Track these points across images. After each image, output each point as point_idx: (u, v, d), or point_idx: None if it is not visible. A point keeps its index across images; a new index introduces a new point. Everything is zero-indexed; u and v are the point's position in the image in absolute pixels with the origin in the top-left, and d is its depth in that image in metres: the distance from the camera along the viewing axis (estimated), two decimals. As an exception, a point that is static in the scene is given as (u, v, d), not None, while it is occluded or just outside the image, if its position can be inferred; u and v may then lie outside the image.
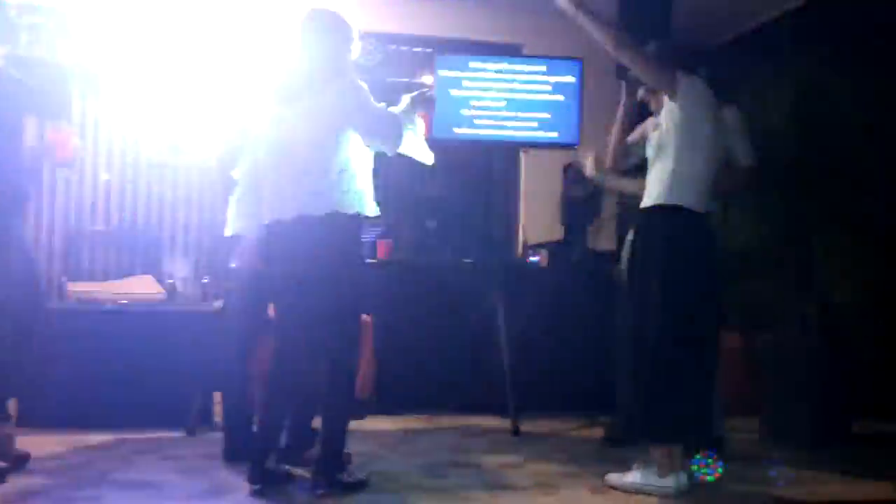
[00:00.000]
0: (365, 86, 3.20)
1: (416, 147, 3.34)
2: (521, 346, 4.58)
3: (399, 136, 3.21)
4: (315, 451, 3.28)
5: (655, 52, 3.32)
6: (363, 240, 3.61)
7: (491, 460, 3.72)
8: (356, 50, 3.29)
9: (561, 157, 5.15)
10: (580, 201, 4.97)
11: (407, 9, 5.86)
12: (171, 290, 5.24)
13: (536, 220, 5.70)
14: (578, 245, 4.92)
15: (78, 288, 5.10)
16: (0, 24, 3.23)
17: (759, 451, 4.02)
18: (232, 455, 3.51)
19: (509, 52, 5.99)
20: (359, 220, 3.19)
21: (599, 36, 3.16)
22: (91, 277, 5.76)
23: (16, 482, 3.09)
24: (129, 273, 5.72)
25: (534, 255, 5.14)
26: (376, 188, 3.26)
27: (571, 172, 4.94)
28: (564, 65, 4.60)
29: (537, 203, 5.83)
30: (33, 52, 3.36)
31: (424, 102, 3.37)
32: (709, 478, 3.38)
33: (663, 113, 3.31)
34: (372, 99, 3.16)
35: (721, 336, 3.42)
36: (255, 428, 3.40)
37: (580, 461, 3.73)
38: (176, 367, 4.25)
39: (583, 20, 3.17)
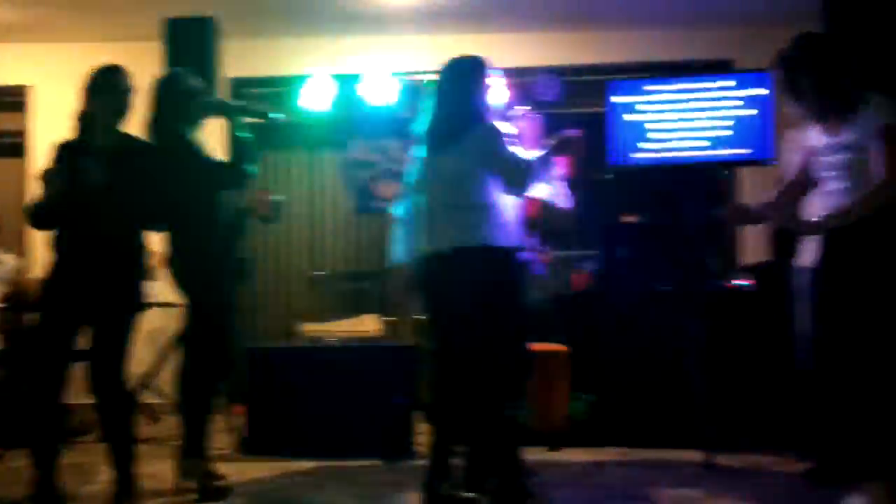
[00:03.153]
0: (504, 126, 3.30)
1: (553, 192, 3.39)
2: (723, 375, 4.37)
3: (524, 183, 3.28)
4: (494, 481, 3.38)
5: None
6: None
7: (669, 494, 3.61)
8: (494, 86, 3.41)
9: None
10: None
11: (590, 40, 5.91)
12: (390, 328, 5.63)
13: (760, 240, 5.42)
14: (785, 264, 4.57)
15: (308, 328, 5.64)
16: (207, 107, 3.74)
17: None
18: None
19: (719, 68, 5.80)
20: (511, 253, 3.29)
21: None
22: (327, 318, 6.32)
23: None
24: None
25: (743, 278, 4.88)
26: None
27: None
28: (755, 78, 4.35)
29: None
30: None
31: (567, 146, 3.38)
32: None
33: None
34: (504, 143, 3.26)
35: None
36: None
37: (768, 499, 3.49)
38: (383, 398, 4.55)
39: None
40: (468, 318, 3.27)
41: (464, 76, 3.36)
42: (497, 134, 3.27)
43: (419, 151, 3.47)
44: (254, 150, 3.67)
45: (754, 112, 4.37)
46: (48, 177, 3.35)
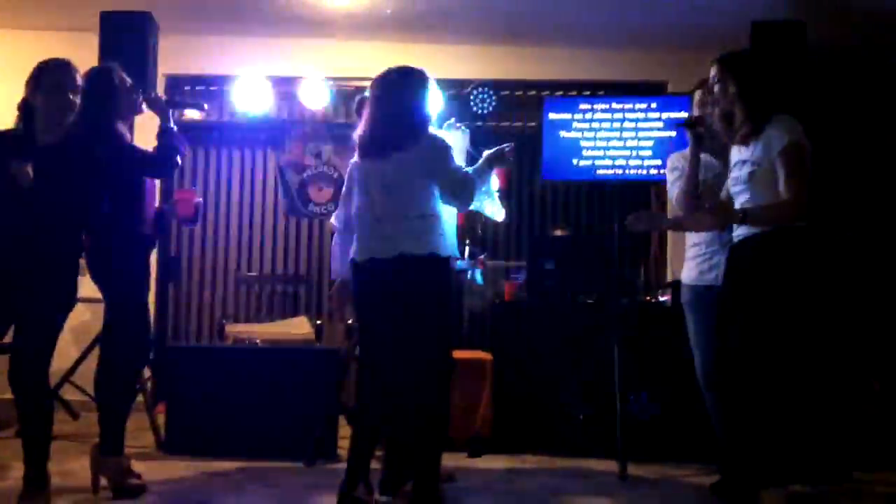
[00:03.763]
0: (448, 138, 3.38)
1: (488, 205, 3.49)
2: (638, 387, 4.51)
3: (469, 198, 3.38)
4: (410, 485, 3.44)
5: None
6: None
7: (581, 502, 3.71)
8: (435, 98, 3.48)
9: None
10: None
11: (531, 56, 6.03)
12: (319, 331, 5.66)
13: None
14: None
15: (236, 329, 5.64)
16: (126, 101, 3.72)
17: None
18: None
19: (652, 90, 5.97)
20: (450, 262, 3.38)
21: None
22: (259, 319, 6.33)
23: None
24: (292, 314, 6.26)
25: (665, 294, 5.03)
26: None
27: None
28: (675, 101, 4.52)
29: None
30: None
31: (502, 159, 3.50)
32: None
33: None
34: (452, 158, 3.35)
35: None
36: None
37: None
38: (307, 401, 4.57)
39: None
40: (405, 324, 3.32)
41: (405, 85, 3.39)
42: (445, 147, 3.34)
43: (357, 157, 3.50)
44: (183, 144, 3.68)
45: (673, 134, 4.53)
46: None
